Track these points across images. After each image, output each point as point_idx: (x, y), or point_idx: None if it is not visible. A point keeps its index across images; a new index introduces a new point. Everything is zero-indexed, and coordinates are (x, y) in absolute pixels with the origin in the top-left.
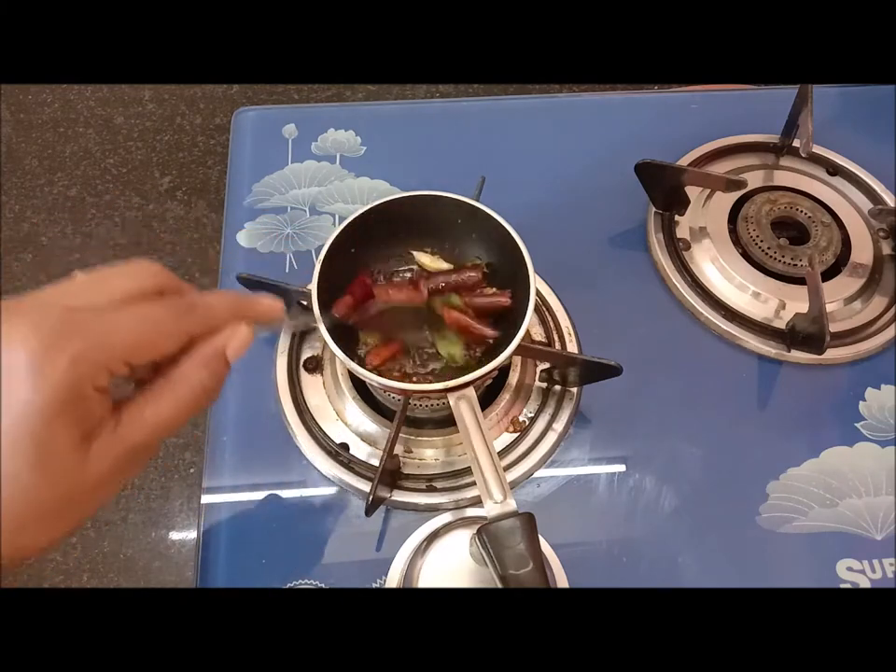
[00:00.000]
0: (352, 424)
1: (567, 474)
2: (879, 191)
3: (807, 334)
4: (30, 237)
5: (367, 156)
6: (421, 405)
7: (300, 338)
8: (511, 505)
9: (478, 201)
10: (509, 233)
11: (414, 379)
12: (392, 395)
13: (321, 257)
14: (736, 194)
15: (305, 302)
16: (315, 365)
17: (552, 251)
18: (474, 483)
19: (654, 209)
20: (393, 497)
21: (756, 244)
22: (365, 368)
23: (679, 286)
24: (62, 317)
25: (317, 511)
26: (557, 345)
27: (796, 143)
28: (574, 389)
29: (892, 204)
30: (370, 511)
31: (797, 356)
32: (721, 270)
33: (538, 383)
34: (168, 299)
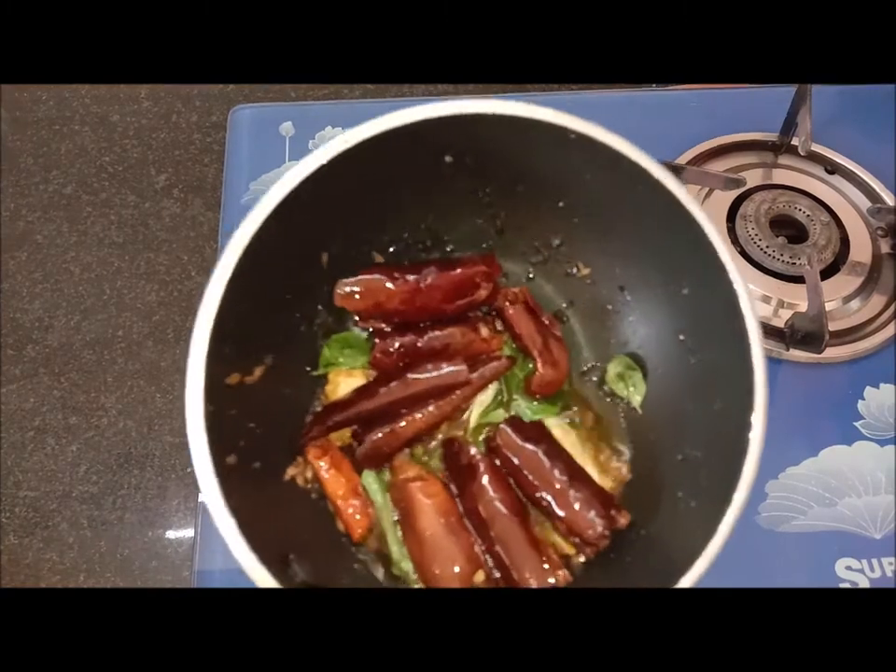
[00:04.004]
0: None
1: None
2: (878, 190)
3: (806, 333)
4: (25, 235)
5: None
6: None
7: None
8: None
9: None
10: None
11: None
12: None
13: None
14: (735, 192)
15: None
16: None
17: None
18: None
19: None
20: None
21: (755, 242)
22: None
23: None
24: None
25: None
26: None
27: (795, 141)
28: None
29: (891, 203)
30: None
31: (796, 354)
32: None
33: None
34: None
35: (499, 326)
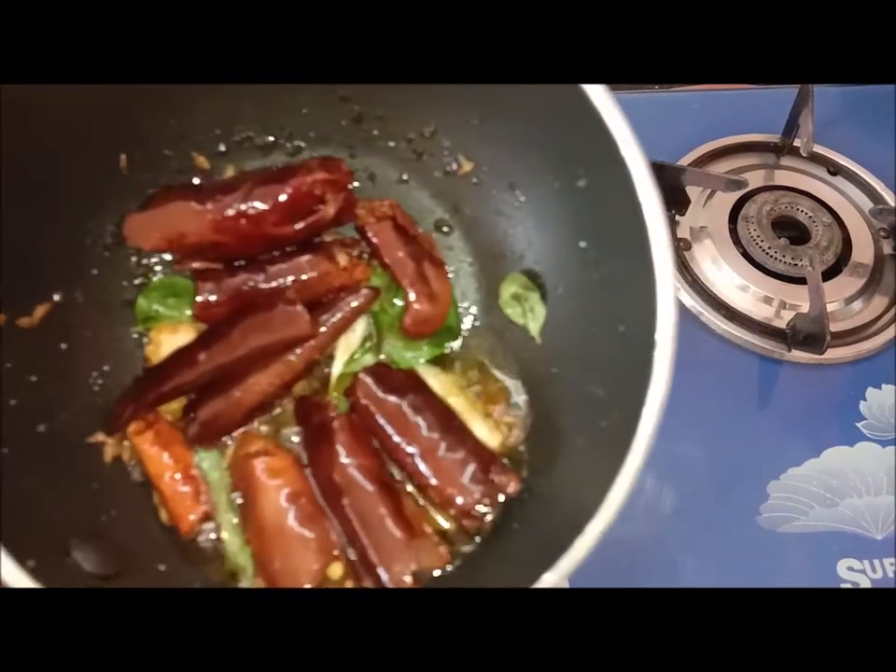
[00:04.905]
0: None
1: None
2: (880, 191)
3: (808, 334)
4: None
5: None
6: None
7: None
8: None
9: None
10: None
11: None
12: None
13: None
14: (737, 194)
15: None
16: None
17: None
18: None
19: None
20: None
21: (757, 243)
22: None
23: (679, 286)
24: None
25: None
26: None
27: (797, 142)
28: None
29: (893, 204)
30: None
31: (798, 355)
32: (721, 270)
33: None
34: None
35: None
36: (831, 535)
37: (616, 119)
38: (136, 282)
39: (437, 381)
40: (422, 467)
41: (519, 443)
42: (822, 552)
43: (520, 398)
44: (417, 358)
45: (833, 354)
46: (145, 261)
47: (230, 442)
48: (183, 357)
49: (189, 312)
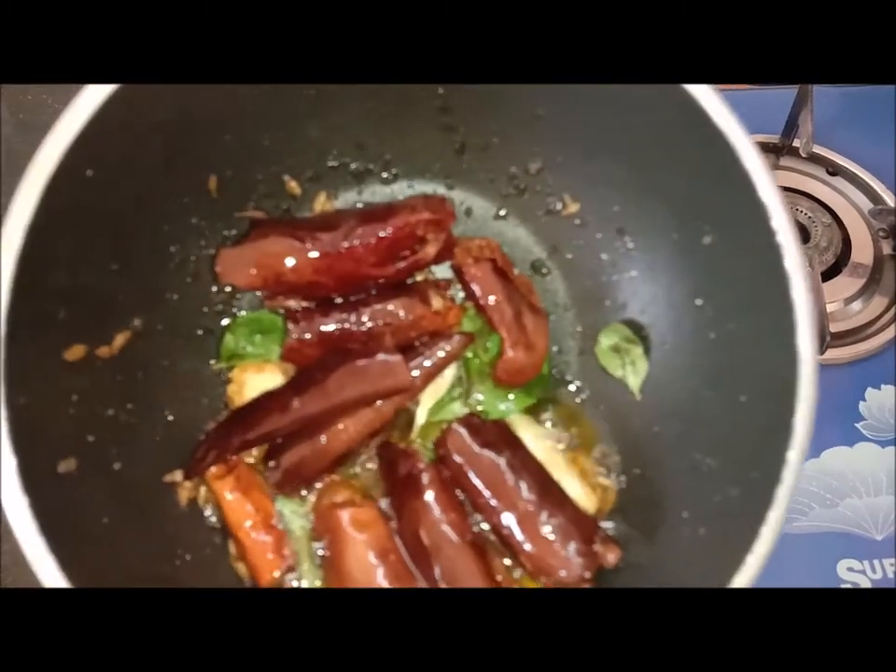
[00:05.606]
0: None
1: None
2: (879, 191)
3: None
4: None
5: None
6: None
7: None
8: None
9: None
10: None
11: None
12: None
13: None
14: None
15: None
16: None
17: None
18: None
19: None
20: None
21: None
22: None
23: None
24: None
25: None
26: None
27: (796, 143)
28: None
29: (892, 204)
30: None
31: None
32: None
33: None
34: None
35: (459, 287)
36: (831, 535)
37: (767, 185)
38: (217, 308)
39: (528, 432)
40: (518, 533)
41: (614, 506)
42: (822, 552)
43: (615, 456)
44: (509, 409)
45: (832, 354)
46: (227, 288)
47: (316, 486)
48: (273, 402)
49: (276, 349)
